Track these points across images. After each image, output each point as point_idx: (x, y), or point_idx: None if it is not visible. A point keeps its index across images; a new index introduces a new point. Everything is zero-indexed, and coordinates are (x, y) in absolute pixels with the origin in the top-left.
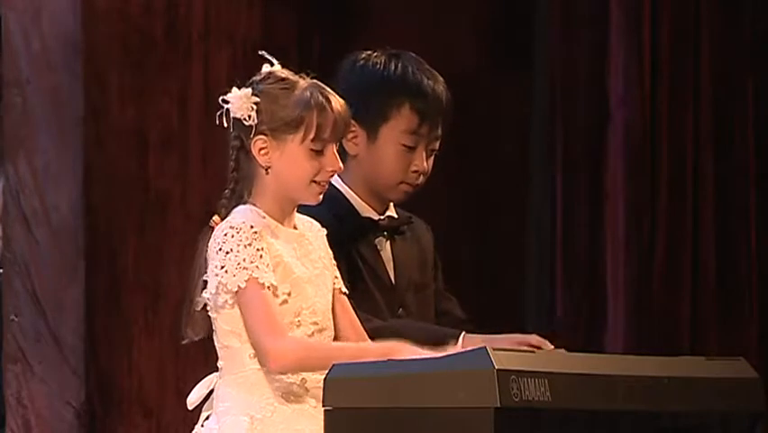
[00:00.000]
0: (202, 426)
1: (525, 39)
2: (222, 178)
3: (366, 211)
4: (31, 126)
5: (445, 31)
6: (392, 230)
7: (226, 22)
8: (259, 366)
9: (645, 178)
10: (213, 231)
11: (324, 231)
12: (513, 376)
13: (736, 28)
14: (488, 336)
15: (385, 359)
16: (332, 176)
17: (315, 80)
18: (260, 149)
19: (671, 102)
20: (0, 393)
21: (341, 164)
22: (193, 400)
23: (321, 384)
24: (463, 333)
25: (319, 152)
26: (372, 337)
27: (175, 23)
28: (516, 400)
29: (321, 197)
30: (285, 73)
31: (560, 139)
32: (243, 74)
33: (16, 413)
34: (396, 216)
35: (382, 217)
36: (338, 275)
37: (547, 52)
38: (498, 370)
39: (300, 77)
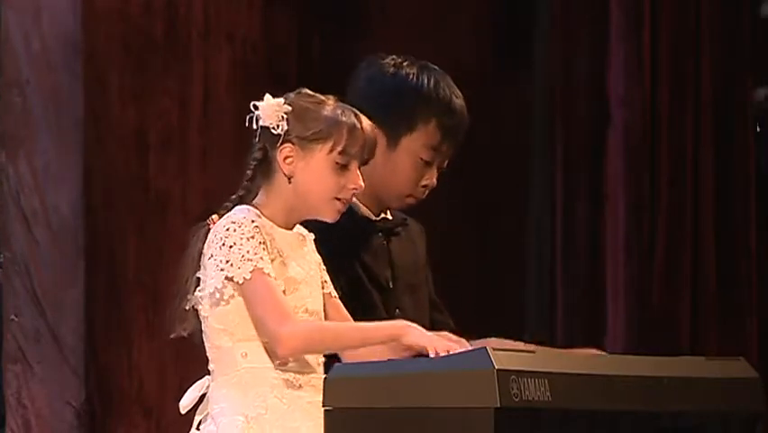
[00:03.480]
0: (197, 429)
1: (525, 39)
2: (222, 177)
3: (364, 212)
4: (31, 126)
5: (446, 31)
6: (388, 231)
7: (226, 22)
8: (251, 365)
9: (645, 178)
10: (208, 229)
11: (312, 235)
12: (513, 376)
13: (737, 28)
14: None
15: (392, 341)
16: (353, 195)
17: (343, 102)
18: (286, 157)
19: (671, 102)
20: (0, 393)
21: (362, 183)
22: (186, 403)
23: (312, 381)
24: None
25: (344, 167)
26: None
27: (175, 23)
28: (516, 400)
29: (339, 215)
30: (313, 92)
31: (560, 139)
32: (243, 74)
33: (16, 413)
34: (390, 217)
35: (378, 218)
36: (327, 279)
37: (547, 52)
38: (498, 370)
39: (329, 97)
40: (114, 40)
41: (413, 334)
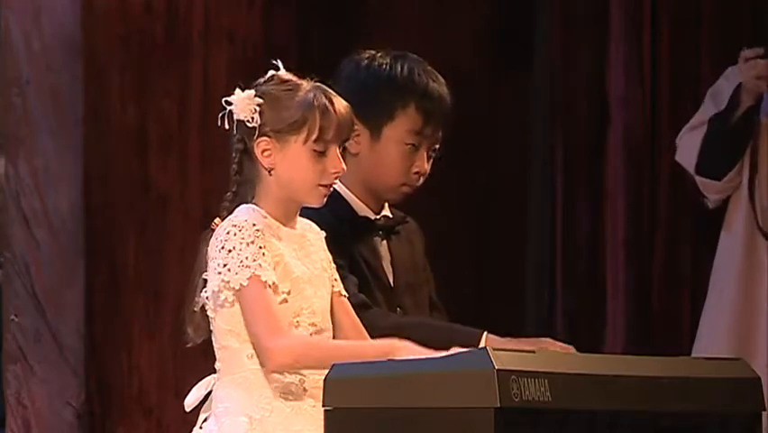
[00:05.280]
0: (201, 427)
1: (525, 39)
2: (222, 178)
3: (363, 211)
4: (31, 126)
5: (445, 31)
6: (388, 229)
7: (226, 22)
8: (257, 366)
9: (645, 178)
10: (213, 233)
11: (323, 233)
12: (513, 376)
13: (737, 27)
14: (509, 338)
15: (384, 359)
16: (336, 178)
17: (318, 83)
18: (264, 150)
19: (671, 102)
20: (0, 393)
21: (344, 165)
22: (191, 401)
23: (319, 384)
24: (485, 332)
25: (322, 154)
26: (391, 334)
27: (175, 22)
28: (516, 400)
29: (325, 199)
30: (288, 76)
31: (560, 139)
32: (243, 74)
33: (16, 413)
34: (390, 215)
35: (378, 217)
36: (337, 278)
37: (547, 52)
38: (498, 370)
39: (304, 79)
40: (114, 40)
41: (405, 351)
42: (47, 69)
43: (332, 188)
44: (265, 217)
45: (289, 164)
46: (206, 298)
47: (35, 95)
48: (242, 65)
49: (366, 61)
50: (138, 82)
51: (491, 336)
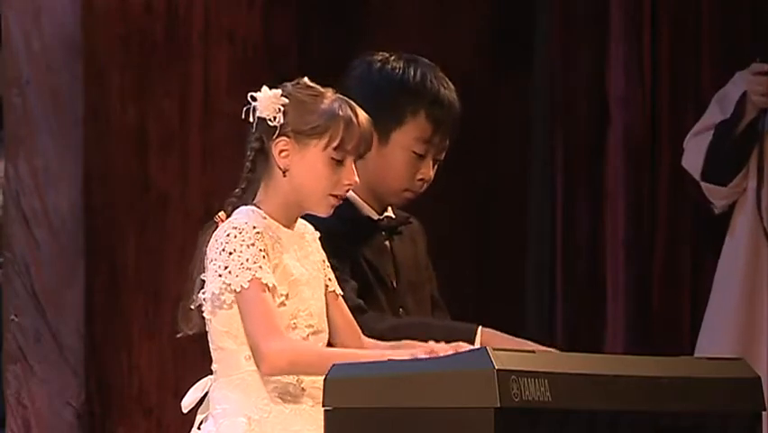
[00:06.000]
0: (198, 429)
1: (525, 39)
2: (223, 178)
3: (366, 211)
4: (31, 126)
5: (445, 31)
6: (390, 230)
7: (226, 22)
8: (255, 368)
9: (645, 178)
10: (216, 226)
11: (318, 234)
12: (513, 376)
13: (737, 27)
14: (503, 334)
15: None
16: (347, 190)
17: (341, 95)
18: (281, 150)
19: (671, 102)
20: (0, 393)
21: (357, 178)
22: (187, 403)
23: (317, 384)
24: (480, 327)
25: (339, 163)
26: (386, 337)
27: (175, 23)
28: (516, 400)
29: (332, 210)
30: (313, 84)
31: (560, 139)
32: (243, 74)
33: (16, 413)
34: (393, 215)
35: (381, 217)
36: (332, 277)
37: (547, 52)
38: (498, 370)
39: (327, 89)
40: (114, 40)
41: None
42: (47, 69)
43: (341, 201)
44: (265, 218)
45: (305, 167)
46: (204, 299)
47: (35, 95)
48: (242, 65)
49: (379, 64)
50: (138, 82)
51: (486, 329)
